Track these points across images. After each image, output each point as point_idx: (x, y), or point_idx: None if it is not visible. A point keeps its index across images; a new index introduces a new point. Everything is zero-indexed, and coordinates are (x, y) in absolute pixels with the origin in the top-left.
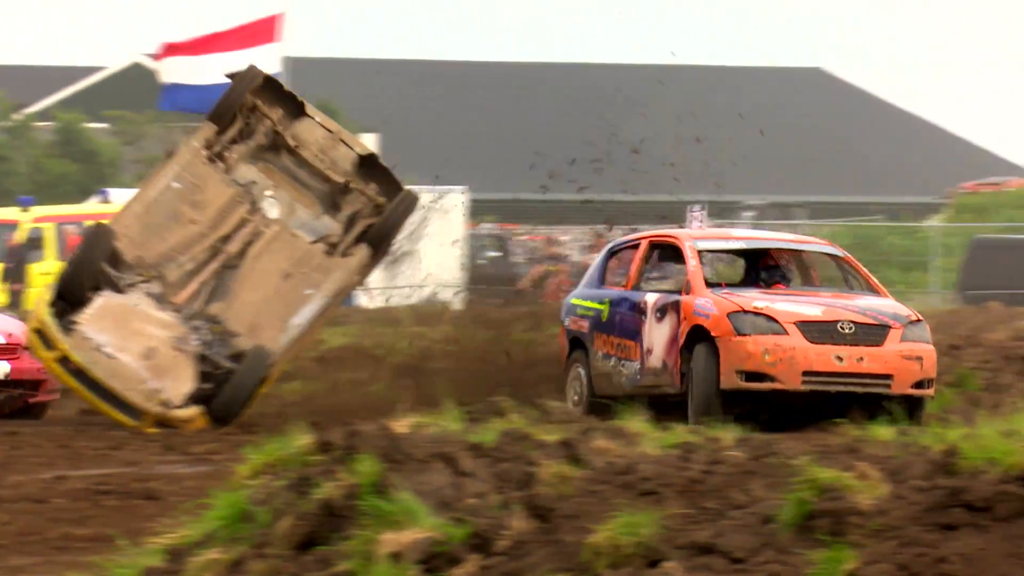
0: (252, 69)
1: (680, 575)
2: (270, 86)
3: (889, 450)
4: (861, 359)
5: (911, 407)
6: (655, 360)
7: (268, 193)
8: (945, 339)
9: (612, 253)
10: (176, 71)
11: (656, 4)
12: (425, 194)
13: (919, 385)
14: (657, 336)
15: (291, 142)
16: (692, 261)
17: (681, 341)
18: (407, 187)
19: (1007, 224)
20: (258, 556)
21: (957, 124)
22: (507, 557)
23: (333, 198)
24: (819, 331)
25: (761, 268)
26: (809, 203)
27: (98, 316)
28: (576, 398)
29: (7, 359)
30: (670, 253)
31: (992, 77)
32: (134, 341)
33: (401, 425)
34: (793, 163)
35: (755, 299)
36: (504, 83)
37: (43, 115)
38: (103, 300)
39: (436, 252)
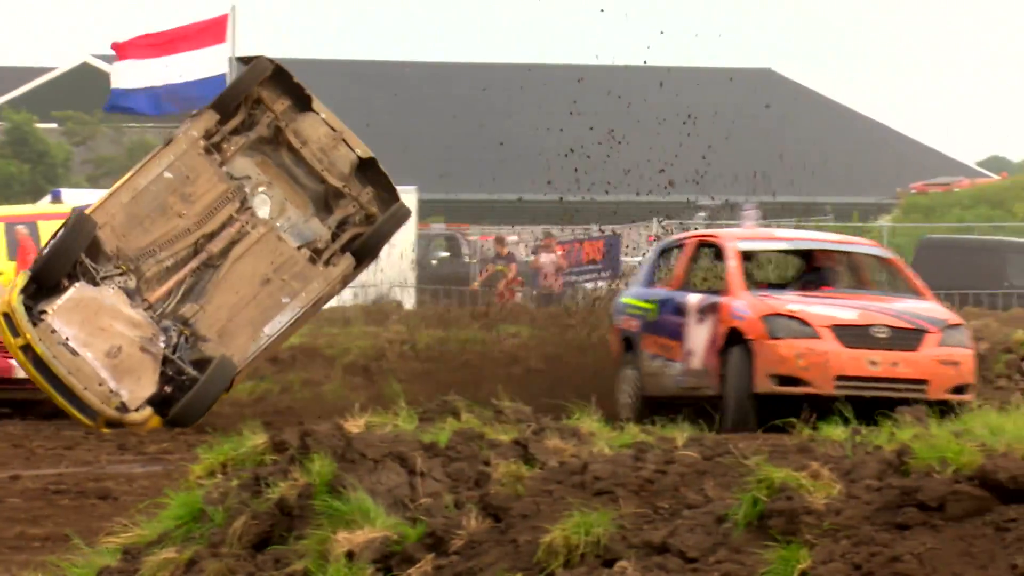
0: (263, 59)
1: (634, 575)
2: (279, 76)
3: (842, 450)
4: (896, 364)
5: (946, 413)
6: (696, 362)
7: (261, 189)
8: None
9: (662, 252)
10: (123, 75)
11: (608, 5)
12: None
13: (957, 390)
14: (698, 337)
15: (292, 138)
16: (732, 262)
17: (719, 343)
18: (401, 199)
19: (956, 224)
20: (213, 556)
21: (906, 124)
22: (461, 557)
23: (326, 200)
24: (853, 335)
25: (810, 269)
26: (760, 203)
27: (68, 308)
28: (628, 399)
29: None
30: (715, 253)
31: (940, 77)
32: (100, 338)
33: (354, 425)
34: (745, 164)
35: (790, 301)
36: (454, 84)
37: None
38: (75, 292)
39: (387, 252)
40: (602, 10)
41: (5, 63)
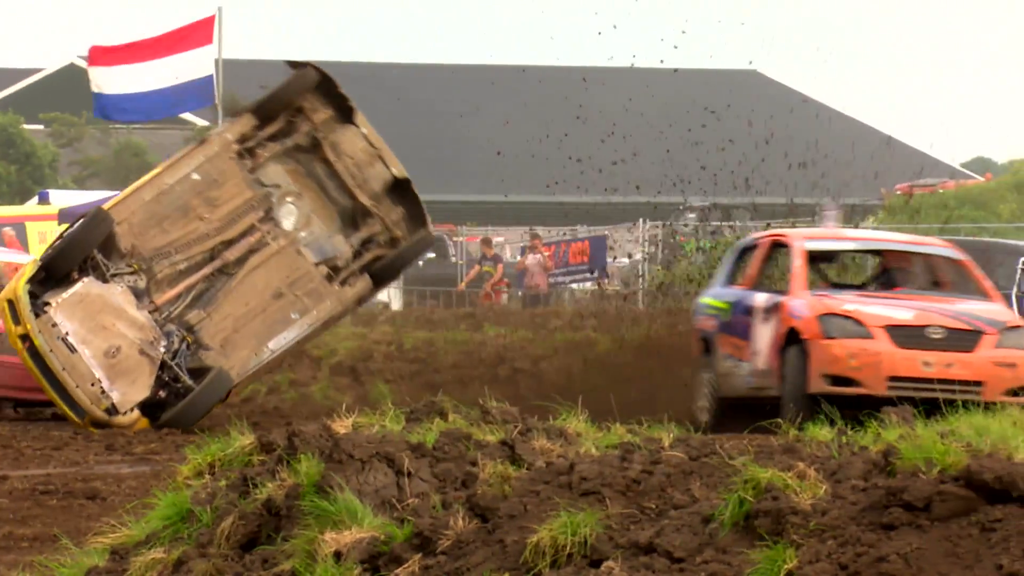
0: (310, 69)
1: (621, 574)
2: (324, 85)
3: (828, 450)
4: (950, 365)
5: None
6: (761, 362)
7: (289, 199)
8: None
9: (741, 252)
10: (110, 81)
11: (591, 7)
12: None
13: (1013, 392)
14: (763, 337)
15: (329, 150)
16: (797, 261)
17: (779, 343)
18: (429, 226)
19: (941, 225)
20: (201, 556)
21: (891, 125)
22: (449, 557)
23: (353, 217)
24: (907, 335)
25: (883, 270)
26: (748, 205)
27: (72, 303)
28: (705, 403)
29: None
30: (786, 253)
31: (925, 78)
32: (100, 336)
33: (342, 425)
34: (729, 164)
35: (848, 301)
36: (440, 85)
37: None
38: (82, 287)
39: None
40: (596, 13)
41: None
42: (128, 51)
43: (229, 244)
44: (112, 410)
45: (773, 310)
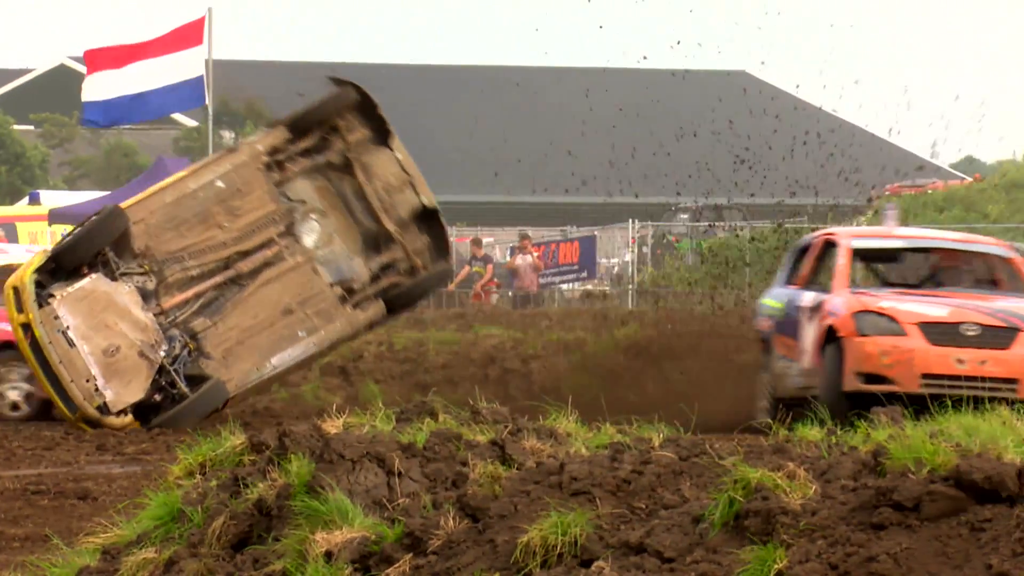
0: (350, 88)
1: (611, 574)
2: (364, 106)
3: (817, 450)
4: (984, 362)
5: None
6: (807, 360)
7: (313, 216)
8: None
9: (799, 251)
10: (101, 86)
11: (587, 10)
12: None
13: None
14: (808, 336)
15: (360, 171)
16: (841, 260)
17: (820, 341)
18: (451, 260)
19: (931, 226)
20: (192, 556)
21: (880, 126)
22: (439, 557)
23: (376, 241)
24: (940, 333)
25: (934, 268)
26: (741, 205)
27: (77, 297)
28: (764, 403)
29: None
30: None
31: (915, 80)
32: (101, 334)
33: (332, 425)
34: (722, 165)
35: (884, 299)
36: (429, 86)
37: None
38: (89, 283)
39: None
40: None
41: None
42: (119, 54)
43: (245, 255)
44: (104, 408)
45: (816, 309)
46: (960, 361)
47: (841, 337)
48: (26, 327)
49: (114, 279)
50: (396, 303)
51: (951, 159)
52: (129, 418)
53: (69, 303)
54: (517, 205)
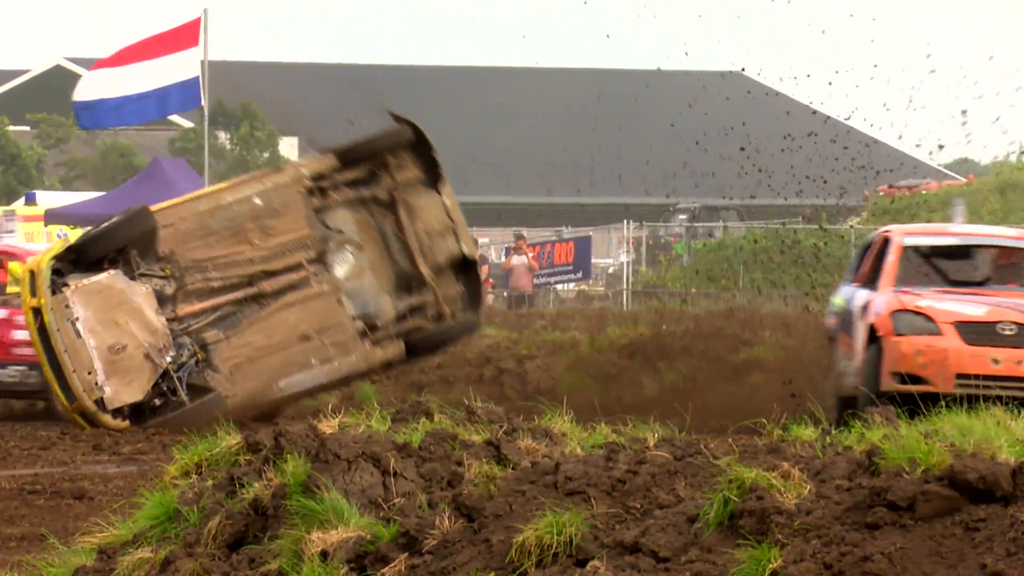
0: (408, 126)
1: (607, 574)
2: (419, 146)
3: (812, 450)
4: (1020, 362)
5: None
6: (858, 359)
7: (349, 248)
8: None
9: (863, 248)
10: (97, 87)
11: (583, 10)
12: None
13: None
14: (859, 334)
15: (403, 211)
16: (890, 257)
17: (865, 341)
18: (480, 314)
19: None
20: (188, 555)
21: (874, 127)
22: (435, 556)
23: (408, 282)
24: (976, 332)
25: (994, 266)
26: (737, 206)
27: (91, 290)
28: (832, 401)
29: None
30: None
31: (909, 81)
32: (110, 330)
33: (328, 425)
34: (714, 166)
35: (924, 297)
36: (425, 87)
37: None
38: (106, 278)
39: None
40: (585, 1)
41: None
42: (115, 57)
43: (270, 275)
44: (101, 404)
45: (865, 307)
46: (995, 361)
47: (880, 337)
48: (36, 311)
49: (133, 278)
50: (418, 347)
51: (944, 159)
52: (125, 423)
53: (82, 294)
54: (513, 205)
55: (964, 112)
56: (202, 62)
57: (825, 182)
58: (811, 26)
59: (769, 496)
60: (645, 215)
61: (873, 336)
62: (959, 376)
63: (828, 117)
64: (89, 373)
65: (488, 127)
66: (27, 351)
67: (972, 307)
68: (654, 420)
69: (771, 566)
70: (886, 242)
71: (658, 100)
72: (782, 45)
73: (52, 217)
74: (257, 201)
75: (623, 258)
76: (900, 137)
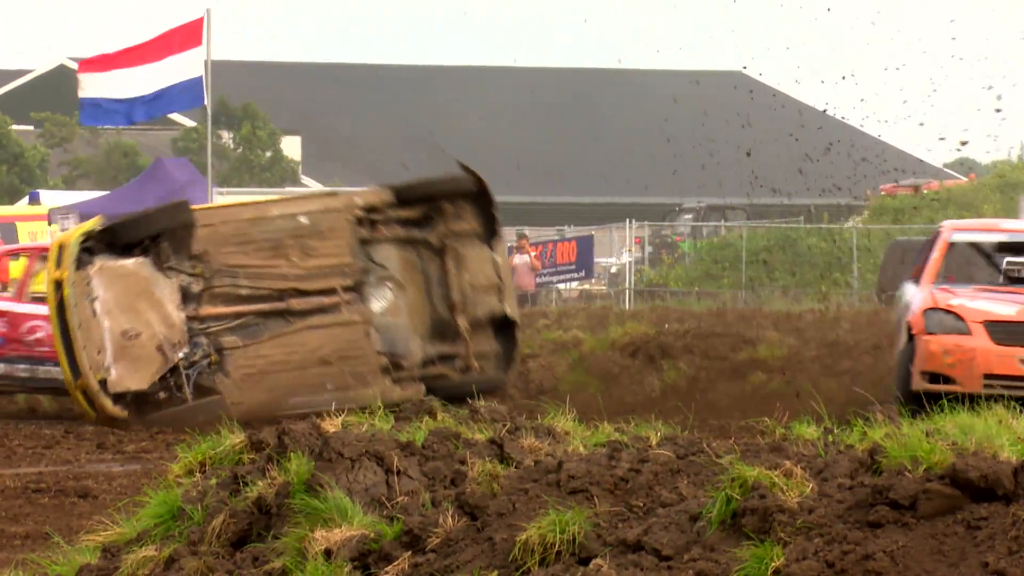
0: (473, 177)
1: (610, 572)
2: (481, 200)
3: (814, 449)
4: None
5: None
6: (896, 357)
7: (389, 284)
8: (867, 339)
9: (925, 244)
10: (101, 86)
11: (580, 9)
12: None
13: None
14: (902, 332)
15: (451, 260)
16: (935, 253)
17: (904, 338)
18: (507, 377)
19: (925, 226)
20: (192, 553)
21: (875, 126)
22: (438, 555)
23: (443, 330)
24: (1005, 332)
25: None
26: (743, 205)
27: (116, 273)
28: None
29: None
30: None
31: (910, 79)
32: (127, 316)
33: (331, 424)
34: (720, 166)
35: (958, 296)
36: (426, 86)
37: None
38: (134, 264)
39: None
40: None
41: None
42: (119, 58)
43: (302, 294)
44: (104, 385)
45: (909, 304)
46: (1023, 361)
47: (914, 335)
48: (58, 284)
49: (161, 270)
50: (438, 394)
51: (946, 159)
52: (123, 413)
53: (106, 275)
54: (515, 205)
55: (999, 98)
56: (205, 62)
57: (838, 188)
58: (817, 20)
59: (771, 495)
60: (647, 215)
61: (910, 334)
62: (986, 376)
63: (824, 111)
64: (98, 353)
65: (491, 127)
66: None
67: (1004, 306)
68: (656, 419)
69: (773, 564)
70: (937, 237)
71: (659, 100)
72: (783, 45)
73: (56, 216)
74: (303, 220)
75: (626, 257)
76: (921, 124)
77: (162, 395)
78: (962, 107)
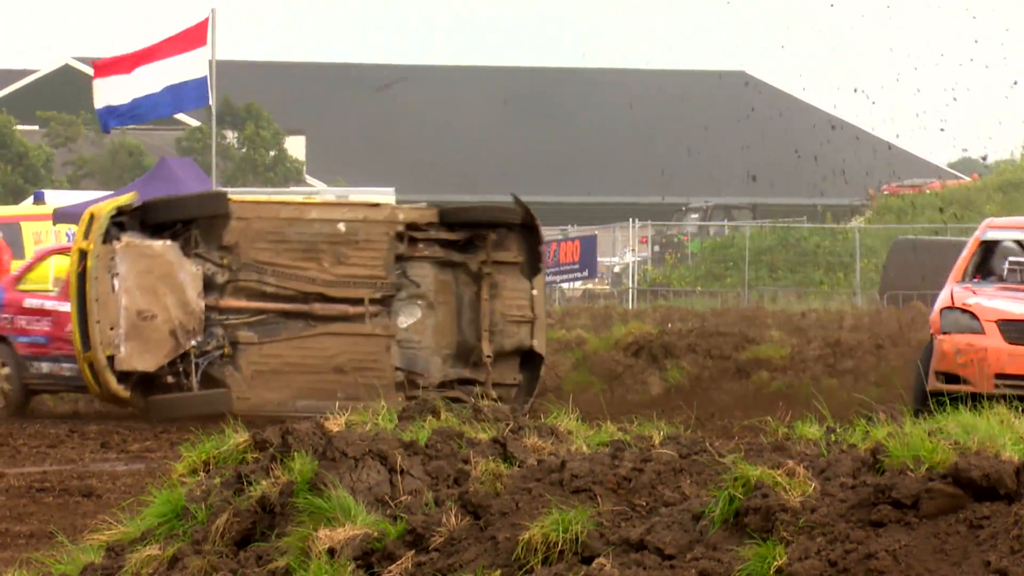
0: (523, 212)
1: (612, 571)
2: (527, 234)
3: (817, 448)
4: None
5: None
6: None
7: (420, 303)
8: (870, 339)
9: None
10: (112, 92)
11: (579, 10)
12: (353, 196)
13: None
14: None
15: (486, 289)
16: (964, 251)
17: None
18: (526, 408)
19: (928, 225)
20: (196, 552)
21: (878, 126)
22: (441, 553)
23: (467, 355)
24: (1019, 331)
25: None
26: (750, 205)
27: (140, 252)
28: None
29: None
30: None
31: (912, 80)
32: (146, 296)
33: (335, 424)
34: (723, 165)
35: (977, 294)
36: (432, 86)
37: None
38: (161, 246)
39: None
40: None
41: None
42: (126, 61)
43: (327, 300)
44: (111, 360)
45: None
46: None
47: (932, 334)
48: (83, 254)
49: (187, 256)
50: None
51: (949, 158)
52: (126, 393)
53: (131, 253)
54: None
55: (1015, 83)
56: (210, 62)
57: (846, 182)
58: (814, 25)
59: (774, 494)
60: (650, 214)
61: (931, 334)
62: (998, 376)
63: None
64: (112, 329)
65: (495, 125)
66: None
67: (1018, 305)
68: (659, 418)
69: (776, 563)
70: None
71: (661, 100)
72: (788, 46)
73: (61, 216)
74: (341, 227)
75: (629, 257)
76: (942, 128)
77: (169, 380)
78: (974, 111)
